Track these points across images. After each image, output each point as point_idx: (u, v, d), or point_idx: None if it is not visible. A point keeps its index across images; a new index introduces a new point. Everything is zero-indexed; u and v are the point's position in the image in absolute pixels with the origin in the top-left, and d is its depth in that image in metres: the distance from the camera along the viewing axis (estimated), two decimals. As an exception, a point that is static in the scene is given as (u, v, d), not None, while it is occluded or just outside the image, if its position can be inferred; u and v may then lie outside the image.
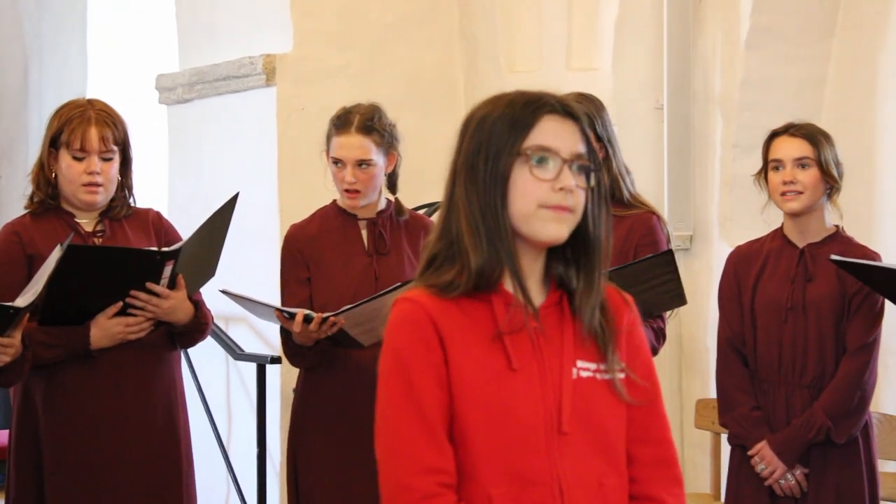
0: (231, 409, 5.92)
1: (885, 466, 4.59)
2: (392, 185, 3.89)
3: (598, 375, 2.13)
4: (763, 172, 3.86)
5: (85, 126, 3.53)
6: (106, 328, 3.49)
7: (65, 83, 7.94)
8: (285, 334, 3.75)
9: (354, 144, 3.75)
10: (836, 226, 3.85)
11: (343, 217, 3.86)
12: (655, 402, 2.19)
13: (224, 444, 5.75)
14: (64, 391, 3.52)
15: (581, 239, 2.12)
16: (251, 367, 5.49)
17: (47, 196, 3.59)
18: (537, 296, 2.13)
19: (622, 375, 2.14)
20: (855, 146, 4.84)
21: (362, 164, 3.75)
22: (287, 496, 3.92)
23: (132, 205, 3.69)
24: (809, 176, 3.76)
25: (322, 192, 3.97)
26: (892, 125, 4.95)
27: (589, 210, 2.11)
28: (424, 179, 4.74)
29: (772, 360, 3.80)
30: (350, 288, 3.76)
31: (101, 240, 3.58)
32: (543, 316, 2.11)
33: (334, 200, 3.91)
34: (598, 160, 2.13)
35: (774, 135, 3.85)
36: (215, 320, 3.95)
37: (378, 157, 3.77)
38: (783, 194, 3.78)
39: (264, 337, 5.58)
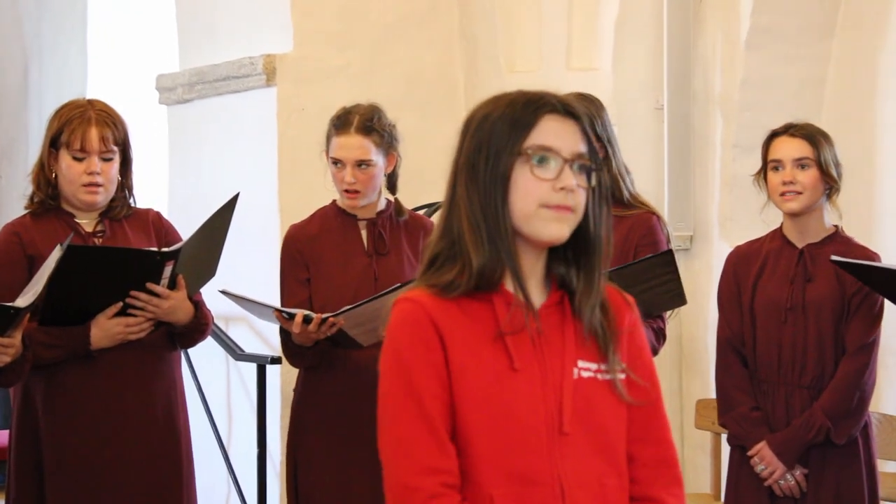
0: (231, 410, 5.92)
1: (885, 466, 4.59)
2: (392, 185, 3.89)
3: (598, 376, 2.13)
4: (762, 173, 3.87)
5: (85, 126, 3.53)
6: (106, 328, 3.49)
7: (65, 83, 7.94)
8: (285, 334, 3.76)
9: (354, 145, 3.75)
10: (836, 226, 3.85)
11: (343, 217, 3.86)
12: (656, 403, 2.19)
13: (224, 444, 5.75)
14: (64, 391, 3.52)
15: (582, 239, 2.12)
16: (251, 368, 5.49)
17: (47, 196, 3.59)
18: (538, 296, 2.13)
19: (623, 376, 2.14)
20: (855, 146, 4.84)
21: (362, 164, 3.75)
22: (286, 496, 3.92)
23: (132, 205, 3.69)
24: (809, 176, 3.76)
25: (322, 192, 3.97)
26: (892, 125, 4.95)
27: (590, 210, 2.11)
28: (424, 180, 4.74)
29: (771, 361, 3.80)
30: (350, 288, 3.76)
31: (101, 240, 3.58)
32: (544, 316, 2.11)
33: (334, 201, 3.91)
34: (599, 160, 2.13)
35: (774, 135, 3.85)
36: (215, 320, 3.95)
37: (378, 158, 3.77)
38: (783, 194, 3.78)
39: (264, 337, 5.58)
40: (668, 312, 3.82)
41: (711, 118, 5.36)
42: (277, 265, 3.91)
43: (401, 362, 2.07)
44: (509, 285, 2.10)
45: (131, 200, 3.69)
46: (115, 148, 3.57)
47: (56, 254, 3.27)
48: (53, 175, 3.57)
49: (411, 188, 4.24)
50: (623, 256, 3.71)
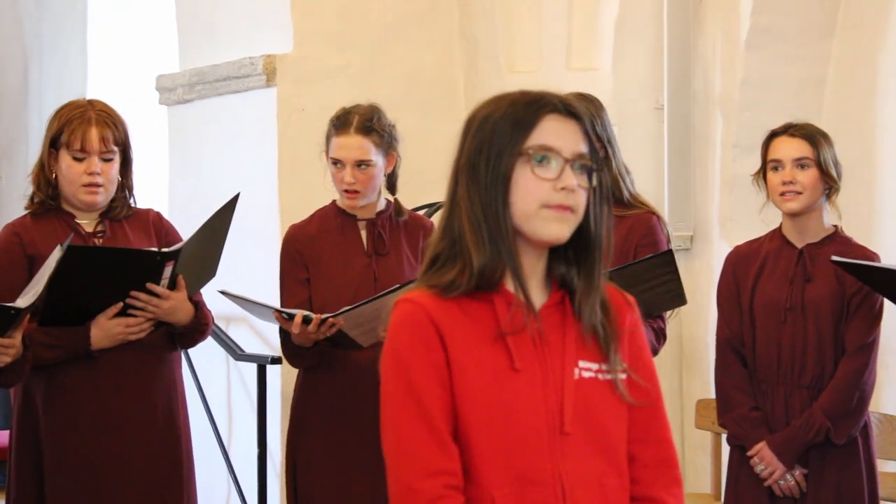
0: (231, 410, 5.92)
1: (885, 466, 4.59)
2: (391, 185, 3.89)
3: (599, 376, 2.13)
4: (762, 172, 3.87)
5: (85, 127, 3.53)
6: (106, 329, 3.49)
7: (65, 83, 7.94)
8: (284, 335, 3.76)
9: (353, 145, 3.75)
10: (835, 226, 3.85)
11: (342, 217, 3.86)
12: (656, 403, 2.19)
13: (224, 444, 5.75)
14: (64, 392, 3.52)
15: (582, 239, 2.12)
16: (252, 368, 5.49)
17: (48, 196, 3.59)
18: (539, 296, 2.13)
19: (624, 376, 2.14)
20: (855, 146, 4.84)
21: (361, 164, 3.75)
22: (286, 497, 3.92)
23: (132, 205, 3.69)
24: (809, 176, 3.76)
25: (322, 192, 3.97)
26: (892, 125, 4.95)
27: (590, 210, 2.11)
28: (424, 180, 4.74)
29: (771, 361, 3.80)
30: (349, 288, 3.76)
31: (101, 240, 3.58)
32: (545, 316, 2.11)
33: (334, 201, 3.91)
34: (600, 160, 2.13)
35: (773, 135, 3.85)
36: (216, 321, 3.95)
37: (377, 158, 3.77)
38: (782, 194, 3.78)
39: (265, 337, 5.58)
40: (669, 312, 3.82)
41: (711, 118, 5.36)
42: (277, 265, 3.91)
43: (401, 363, 2.07)
44: (510, 285, 2.10)
45: (131, 201, 3.69)
46: (116, 148, 3.57)
47: (56, 254, 3.27)
48: (53, 175, 3.57)
49: (411, 188, 4.24)
50: (623, 256, 3.71)
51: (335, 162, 3.79)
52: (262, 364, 5.38)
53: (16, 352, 3.30)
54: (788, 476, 3.77)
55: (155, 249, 3.49)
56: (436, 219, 3.69)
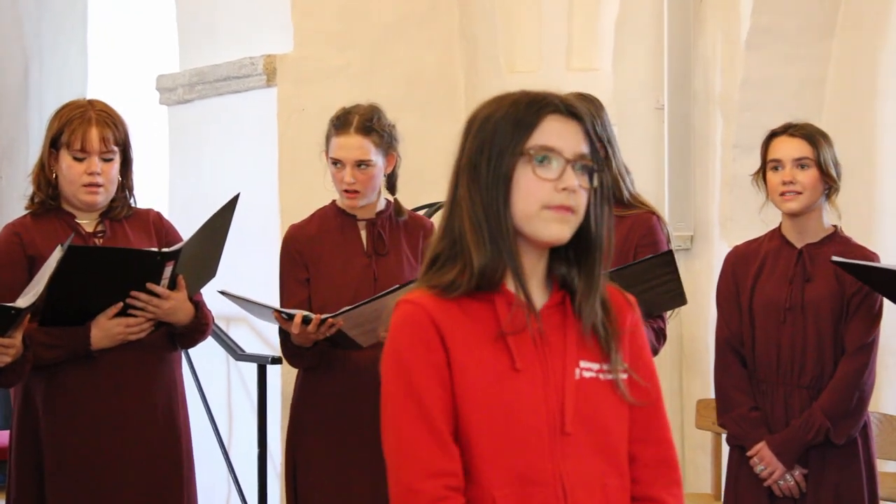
0: (232, 410, 5.92)
1: (886, 466, 4.59)
2: (391, 185, 3.89)
3: (600, 376, 2.13)
4: (761, 172, 3.86)
5: (85, 127, 3.53)
6: (106, 329, 3.49)
7: (65, 83, 7.94)
8: (284, 335, 3.75)
9: (353, 145, 3.75)
10: (834, 226, 3.85)
11: (342, 217, 3.86)
12: (657, 403, 2.19)
13: (225, 444, 5.75)
14: (64, 392, 3.52)
15: (583, 239, 2.12)
16: (252, 368, 5.49)
17: (48, 196, 3.59)
18: (540, 296, 2.13)
19: (625, 376, 2.14)
20: (855, 146, 4.84)
21: (361, 164, 3.75)
22: (286, 497, 3.92)
23: (133, 205, 3.69)
24: (809, 176, 3.76)
25: (322, 192, 3.97)
26: (892, 125, 4.95)
27: (591, 210, 2.12)
28: (424, 180, 4.74)
29: (770, 361, 3.80)
30: (349, 288, 3.76)
31: (101, 240, 3.58)
32: (546, 316, 2.11)
33: (333, 201, 3.91)
34: (601, 160, 2.13)
35: (773, 135, 3.85)
36: (216, 321, 3.95)
37: (377, 158, 3.77)
38: (782, 194, 3.78)
39: (265, 337, 5.58)
40: (669, 312, 3.82)
41: (712, 118, 5.37)
42: (277, 265, 3.91)
43: (402, 364, 2.07)
44: (511, 285, 2.10)
45: (132, 201, 3.69)
46: (116, 148, 3.57)
47: (57, 254, 3.27)
48: (54, 175, 3.57)
49: (411, 188, 4.24)
50: (623, 256, 3.71)
51: (335, 162, 3.79)
52: (262, 364, 5.38)
53: (16, 352, 3.30)
54: (788, 476, 3.77)
55: (155, 249, 3.49)
56: (436, 219, 3.69)
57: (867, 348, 3.74)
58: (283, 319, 3.64)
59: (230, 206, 3.60)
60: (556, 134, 2.09)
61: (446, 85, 6.00)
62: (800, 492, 3.77)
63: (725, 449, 4.09)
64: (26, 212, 3.63)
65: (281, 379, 5.43)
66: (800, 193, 3.76)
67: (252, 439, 5.43)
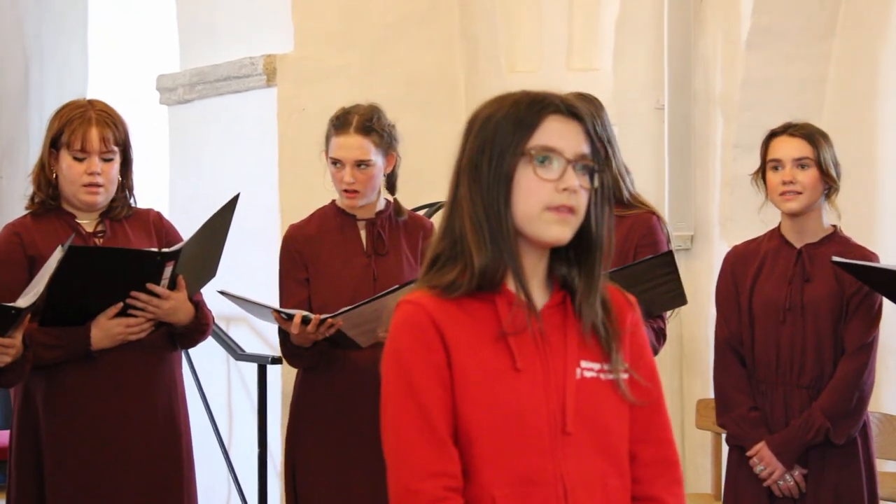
0: (232, 410, 5.92)
1: (886, 466, 4.59)
2: (391, 185, 3.89)
3: (601, 376, 2.13)
4: (761, 172, 3.86)
5: (86, 127, 3.53)
6: (106, 329, 3.49)
7: (65, 84, 7.94)
8: (283, 335, 3.75)
9: (353, 145, 3.75)
10: (834, 226, 3.85)
11: (342, 217, 3.86)
12: (658, 403, 2.20)
13: (225, 444, 5.75)
14: (65, 392, 3.52)
15: (584, 239, 2.12)
16: (252, 368, 5.49)
17: (48, 197, 3.59)
18: (541, 296, 2.13)
19: (626, 376, 2.14)
20: (855, 146, 4.84)
21: (361, 164, 3.75)
22: (285, 497, 3.92)
23: (133, 205, 3.69)
24: (809, 176, 3.76)
25: (323, 192, 3.97)
26: (892, 125, 4.95)
27: (591, 211, 2.12)
28: (424, 180, 4.74)
29: (770, 361, 3.80)
30: (349, 288, 3.76)
31: (101, 240, 3.58)
32: (547, 316, 2.11)
33: (333, 201, 3.91)
34: (602, 160, 2.13)
35: (773, 134, 3.85)
36: (216, 320, 3.95)
37: (377, 158, 3.78)
38: (782, 194, 3.78)
39: (265, 337, 5.58)
40: (669, 312, 3.82)
41: (712, 118, 5.36)
42: (277, 265, 3.91)
43: (402, 364, 2.08)
44: (511, 285, 2.10)
45: (132, 201, 3.69)
46: (116, 148, 3.57)
47: (57, 255, 3.27)
48: (54, 175, 3.57)
49: (411, 188, 4.24)
50: (623, 256, 3.71)
51: (335, 162, 3.79)
52: (262, 364, 5.38)
53: (16, 352, 3.30)
54: (788, 476, 3.77)
55: (155, 250, 3.49)
56: (436, 219, 3.69)
57: (867, 348, 3.74)
58: (283, 319, 3.64)
59: (230, 206, 3.60)
60: (557, 134, 2.09)
61: (446, 85, 6.00)
62: (799, 492, 3.77)
63: (725, 449, 4.09)
64: (26, 212, 3.63)
65: (281, 379, 5.43)
66: (800, 193, 3.76)
67: (252, 439, 5.43)
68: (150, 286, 3.49)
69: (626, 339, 2.16)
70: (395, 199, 3.91)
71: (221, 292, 3.67)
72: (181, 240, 3.64)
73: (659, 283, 3.62)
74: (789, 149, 3.78)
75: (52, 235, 3.52)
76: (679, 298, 3.74)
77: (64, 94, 6.79)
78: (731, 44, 5.22)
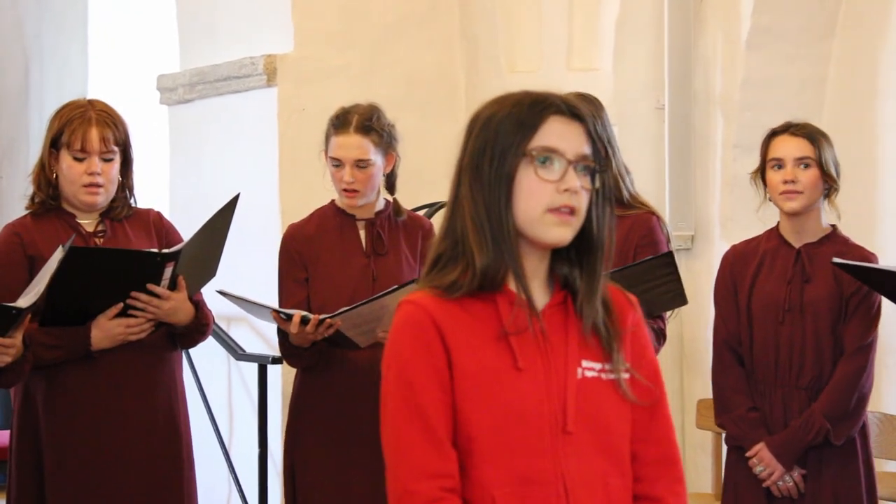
0: (232, 410, 5.92)
1: (886, 466, 4.59)
2: (391, 185, 3.89)
3: (602, 375, 2.13)
4: (760, 171, 3.86)
5: (86, 127, 3.53)
6: (107, 329, 3.49)
7: (65, 84, 7.94)
8: (282, 334, 3.75)
9: (353, 144, 3.75)
10: (833, 226, 3.85)
11: (341, 217, 3.86)
12: (660, 402, 2.20)
13: (225, 444, 5.75)
14: (65, 392, 3.52)
15: (585, 240, 2.12)
16: (252, 368, 5.49)
17: (48, 197, 3.59)
18: (542, 296, 2.13)
19: (627, 375, 2.14)
20: (856, 146, 4.84)
21: (360, 163, 3.76)
22: (284, 497, 3.92)
23: (133, 205, 3.69)
24: (810, 176, 3.76)
25: (322, 192, 3.97)
26: (892, 125, 4.95)
27: (593, 211, 2.12)
28: (424, 180, 4.74)
29: (768, 361, 3.79)
30: (348, 288, 3.76)
31: (101, 240, 3.58)
32: (548, 316, 2.12)
33: (332, 200, 3.92)
34: (603, 161, 2.13)
35: (774, 134, 3.84)
36: (217, 320, 3.95)
37: (376, 157, 3.78)
38: (783, 193, 3.77)
39: (265, 337, 5.58)
40: (669, 312, 3.82)
41: (712, 118, 5.36)
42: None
43: (402, 365, 2.08)
44: (513, 285, 2.10)
45: (132, 201, 3.69)
46: (116, 148, 3.57)
47: (58, 255, 3.27)
48: (54, 175, 3.57)
49: (410, 188, 4.24)
50: (623, 256, 3.71)
51: (334, 161, 3.79)
52: (262, 364, 5.38)
53: (16, 352, 3.31)
54: (787, 477, 3.77)
55: (155, 251, 3.49)
56: (436, 219, 3.68)
57: (866, 349, 3.73)
58: (282, 319, 3.64)
59: (230, 206, 3.60)
60: (559, 135, 2.09)
61: (446, 85, 6.00)
62: (798, 492, 3.77)
63: (726, 449, 4.09)
64: (26, 212, 3.63)
65: (281, 379, 5.42)
66: (800, 193, 3.76)
67: (252, 439, 5.43)
68: (151, 286, 3.49)
69: (628, 339, 2.16)
70: (394, 199, 3.91)
71: (220, 292, 3.67)
72: (181, 240, 3.64)
73: (659, 284, 3.62)
74: (791, 148, 3.77)
75: (53, 235, 3.51)
76: (679, 299, 3.74)
77: (64, 94, 6.79)
78: (731, 44, 5.22)
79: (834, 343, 3.74)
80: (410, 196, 4.34)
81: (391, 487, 2.07)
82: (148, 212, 3.73)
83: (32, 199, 3.62)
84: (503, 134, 2.08)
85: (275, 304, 3.77)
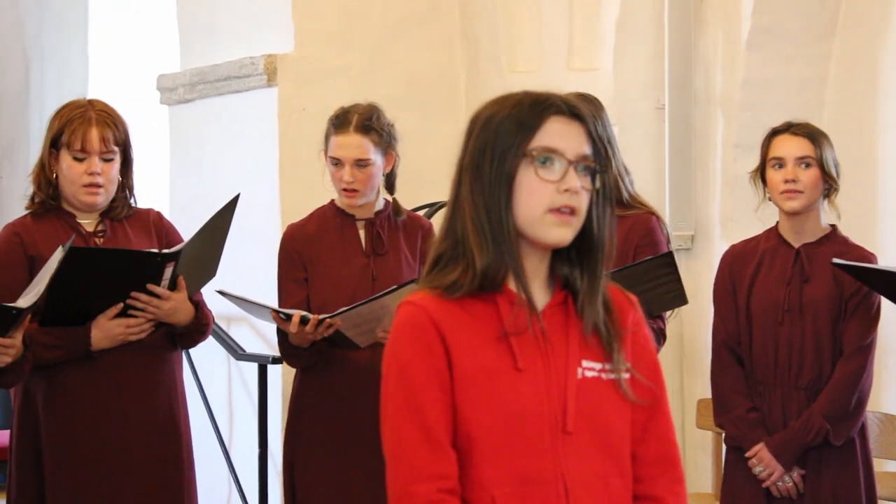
0: (232, 409, 5.92)
1: (886, 466, 4.59)
2: (390, 185, 3.89)
3: (603, 375, 2.13)
4: (760, 170, 3.86)
5: (86, 127, 3.53)
6: (107, 329, 3.49)
7: (66, 84, 7.94)
8: (282, 334, 3.75)
9: (353, 144, 3.75)
10: (832, 225, 3.85)
11: (341, 217, 3.86)
12: (660, 402, 2.20)
13: (225, 444, 5.75)
14: (65, 392, 3.52)
15: (585, 240, 2.12)
16: (252, 367, 5.49)
17: (48, 197, 3.59)
18: (542, 296, 2.13)
19: (627, 375, 2.14)
20: (856, 146, 4.84)
21: (360, 163, 3.76)
22: (283, 497, 3.92)
23: (133, 205, 3.69)
24: (810, 175, 3.76)
25: (323, 192, 3.97)
26: (893, 125, 4.95)
27: (593, 211, 2.12)
28: (423, 180, 4.74)
29: (768, 362, 3.79)
30: (348, 288, 3.76)
31: (101, 240, 3.58)
32: (548, 316, 2.12)
33: (332, 200, 3.91)
34: (604, 161, 2.13)
35: (775, 133, 3.84)
36: (217, 320, 3.95)
37: (376, 157, 3.78)
38: (783, 192, 3.77)
39: (265, 337, 5.58)
40: (669, 312, 3.82)
41: (712, 118, 5.36)
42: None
43: (402, 366, 2.08)
44: (513, 286, 2.10)
45: (132, 201, 3.69)
46: (116, 148, 3.57)
47: (58, 255, 3.27)
48: (54, 175, 3.57)
49: (410, 188, 4.24)
50: (623, 257, 3.71)
51: (334, 161, 3.79)
52: (262, 364, 5.38)
53: (16, 352, 3.31)
54: (786, 477, 3.77)
55: (155, 251, 3.49)
56: (436, 219, 3.67)
57: (865, 350, 3.73)
58: (281, 319, 3.64)
59: (230, 206, 3.60)
60: (559, 135, 2.09)
61: (446, 85, 6.00)
62: (798, 492, 3.77)
63: (725, 449, 4.09)
64: (26, 212, 3.63)
65: (282, 378, 5.43)
66: (801, 192, 3.75)
67: (253, 439, 5.43)
68: (151, 287, 3.49)
69: (628, 339, 2.16)
70: (393, 199, 3.91)
71: (220, 292, 3.67)
72: (181, 240, 3.64)
73: (659, 284, 3.62)
74: (792, 147, 3.77)
75: (53, 235, 3.52)
76: (679, 299, 3.74)
77: (64, 94, 6.80)
78: (731, 44, 5.22)
79: (833, 343, 3.74)
80: (410, 196, 4.34)
81: (391, 488, 2.07)
82: (148, 212, 3.73)
83: (32, 199, 3.62)
84: (503, 134, 2.08)
85: (274, 304, 3.77)
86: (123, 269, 3.47)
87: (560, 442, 2.08)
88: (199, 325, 3.64)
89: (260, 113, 5.71)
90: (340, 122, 3.78)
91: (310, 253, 3.83)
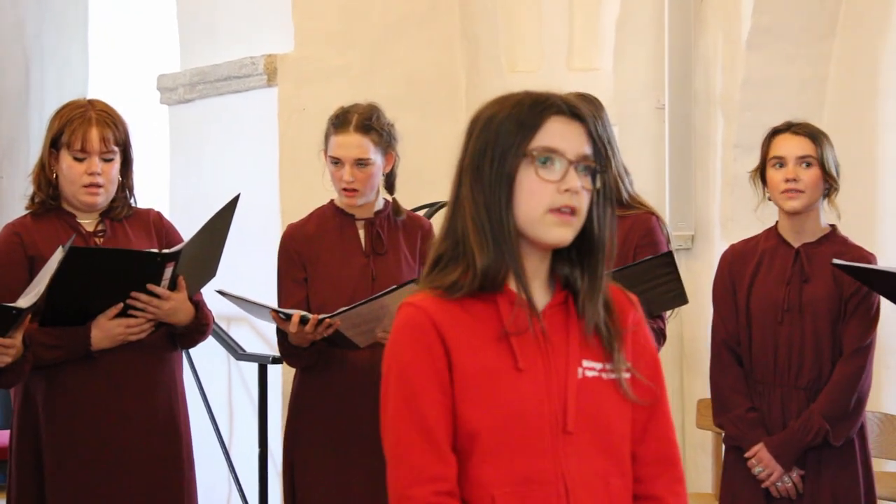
0: (232, 409, 5.92)
1: (886, 466, 4.59)
2: (390, 185, 3.89)
3: (603, 375, 2.13)
4: (760, 170, 3.85)
5: (86, 127, 3.53)
6: (107, 329, 3.49)
7: (66, 84, 7.94)
8: (281, 334, 3.75)
9: (352, 143, 3.75)
10: (832, 225, 3.85)
11: (341, 217, 3.86)
12: (660, 402, 2.20)
13: (225, 444, 5.75)
14: (65, 392, 3.52)
15: (586, 240, 2.13)
16: (252, 367, 5.49)
17: (48, 197, 3.59)
18: (543, 296, 2.13)
19: (628, 375, 2.15)
20: (856, 146, 4.84)
21: (360, 163, 3.76)
22: (283, 497, 3.92)
23: (133, 205, 3.69)
24: (811, 175, 3.76)
25: (323, 192, 3.97)
26: (893, 125, 4.95)
27: (594, 211, 2.12)
28: (424, 180, 4.74)
29: (767, 362, 3.79)
30: (348, 288, 3.76)
31: (101, 240, 3.59)
32: (549, 316, 2.12)
33: (332, 200, 3.92)
34: (604, 161, 2.13)
35: (776, 132, 3.84)
36: (217, 320, 3.95)
37: (376, 157, 3.78)
38: (784, 192, 3.77)
39: (266, 337, 5.58)
40: (668, 312, 3.82)
41: (712, 118, 5.36)
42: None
43: (402, 367, 2.08)
44: (513, 286, 2.10)
45: (132, 200, 3.69)
46: (116, 148, 3.57)
47: (58, 255, 3.27)
48: (54, 175, 3.57)
49: (410, 188, 4.24)
50: (623, 257, 3.71)
51: (334, 160, 3.79)
52: (262, 363, 5.38)
53: (16, 352, 3.31)
54: (786, 477, 3.76)
55: (155, 251, 3.49)
56: (436, 219, 3.67)
57: (864, 350, 3.73)
58: (281, 319, 3.64)
59: (230, 206, 3.60)
60: (559, 135, 2.09)
61: (446, 85, 6.00)
62: (797, 493, 3.77)
63: (725, 449, 4.09)
64: (26, 212, 3.63)
65: (282, 378, 5.43)
66: (802, 192, 3.75)
67: (253, 439, 5.43)
68: (151, 287, 3.49)
69: (628, 338, 2.17)
70: (393, 199, 3.91)
71: (220, 292, 3.67)
72: (181, 240, 3.64)
73: (659, 284, 3.62)
74: (793, 146, 3.77)
75: (53, 235, 3.52)
76: (679, 298, 3.74)
77: (64, 94, 6.80)
78: (731, 44, 5.22)
79: (833, 343, 3.74)
80: (410, 196, 4.34)
81: (391, 490, 2.07)
82: (148, 212, 3.73)
83: (32, 199, 3.62)
84: (504, 134, 2.08)
85: (274, 303, 3.77)
86: (123, 269, 3.47)
87: (560, 442, 2.08)
88: (200, 325, 3.64)
89: (260, 113, 5.71)
90: (340, 121, 3.78)
91: (309, 253, 3.83)
